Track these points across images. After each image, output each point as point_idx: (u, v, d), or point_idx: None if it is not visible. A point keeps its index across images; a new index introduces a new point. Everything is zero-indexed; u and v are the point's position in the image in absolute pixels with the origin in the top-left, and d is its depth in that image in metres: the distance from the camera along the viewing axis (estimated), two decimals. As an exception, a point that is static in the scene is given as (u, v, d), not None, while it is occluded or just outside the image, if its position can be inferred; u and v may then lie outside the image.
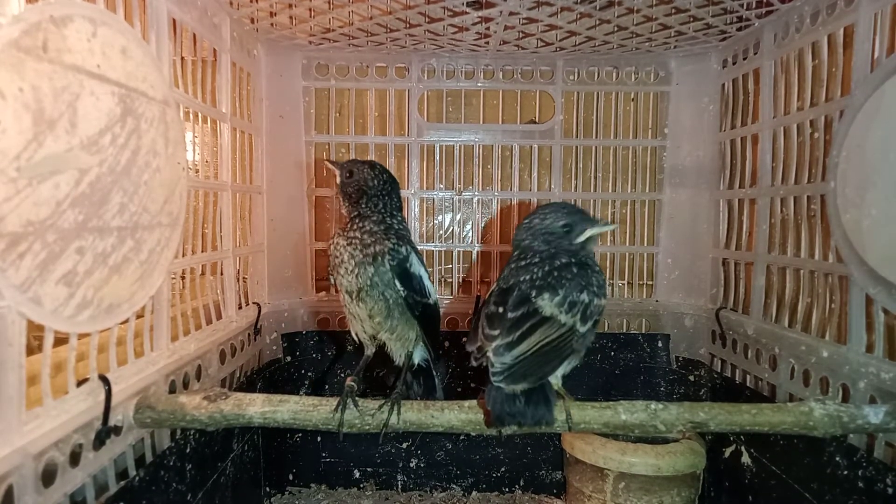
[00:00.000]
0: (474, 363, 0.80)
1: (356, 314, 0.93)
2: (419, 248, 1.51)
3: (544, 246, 0.87)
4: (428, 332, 0.97)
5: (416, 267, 0.93)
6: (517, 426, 0.77)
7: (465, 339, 1.43)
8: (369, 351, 1.00)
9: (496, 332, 0.79)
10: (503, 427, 0.78)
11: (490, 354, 0.77)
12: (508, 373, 0.75)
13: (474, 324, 0.86)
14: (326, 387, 1.47)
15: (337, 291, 0.96)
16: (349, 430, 0.84)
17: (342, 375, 1.47)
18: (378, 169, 0.96)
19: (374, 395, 0.89)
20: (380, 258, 0.89)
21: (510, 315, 0.80)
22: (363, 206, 0.94)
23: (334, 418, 0.81)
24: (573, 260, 0.86)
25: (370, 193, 0.94)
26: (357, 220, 0.93)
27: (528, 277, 0.83)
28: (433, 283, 1.55)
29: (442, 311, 1.51)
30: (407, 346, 0.97)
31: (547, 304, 0.80)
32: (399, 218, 0.97)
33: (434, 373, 1.05)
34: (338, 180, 0.97)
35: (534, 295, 0.81)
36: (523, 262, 0.86)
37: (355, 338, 0.99)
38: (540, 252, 0.86)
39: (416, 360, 1.01)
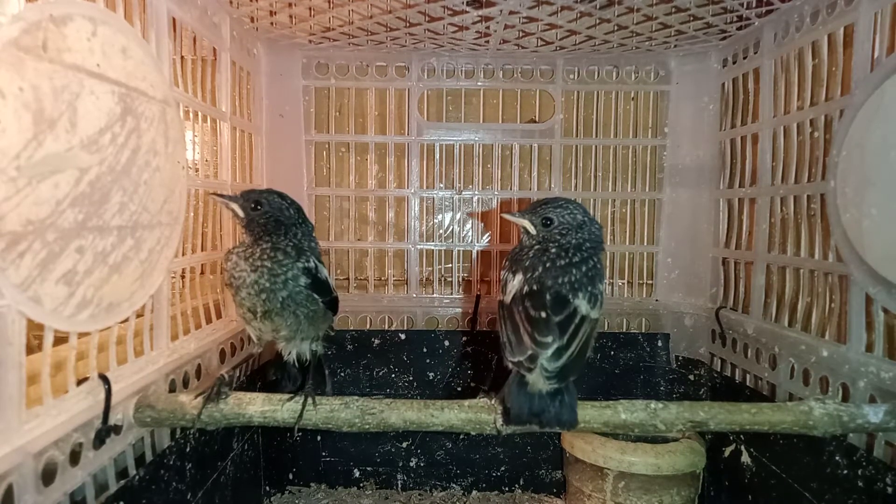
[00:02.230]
0: (526, 373, 0.77)
1: (258, 328, 0.91)
2: (419, 247, 1.53)
3: (589, 245, 0.87)
4: (333, 317, 0.99)
5: (322, 271, 0.92)
6: (538, 426, 0.76)
7: (465, 338, 1.45)
8: (257, 349, 1.02)
9: (549, 339, 0.77)
10: (524, 426, 0.77)
11: (543, 361, 0.76)
12: (560, 374, 0.76)
13: (512, 331, 0.80)
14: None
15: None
16: (349, 430, 0.84)
17: (342, 375, 1.47)
18: (288, 198, 0.92)
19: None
20: (291, 282, 0.87)
21: (556, 319, 0.79)
22: (278, 237, 0.89)
23: (201, 413, 0.81)
24: (598, 258, 0.88)
25: (288, 223, 0.90)
26: (268, 249, 0.87)
27: (566, 279, 0.82)
28: (439, 281, 1.56)
29: (441, 310, 1.52)
30: (307, 344, 0.97)
31: (582, 303, 0.81)
32: (314, 241, 0.94)
33: (324, 365, 1.04)
34: (240, 213, 0.89)
35: (571, 297, 0.81)
36: (562, 262, 0.83)
37: (252, 336, 0.96)
38: (581, 251, 0.86)
39: (316, 350, 0.99)
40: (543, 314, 0.79)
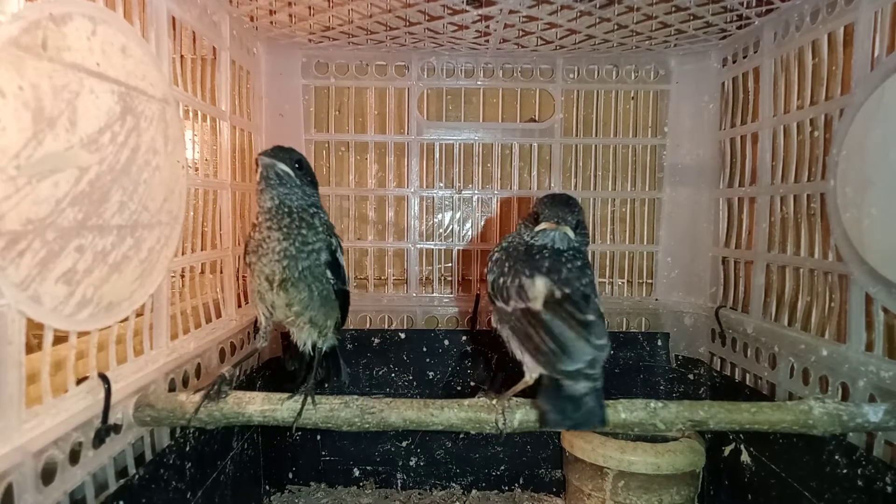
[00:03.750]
0: (583, 380, 0.75)
1: (271, 302, 0.90)
2: (419, 246, 1.53)
3: (587, 245, 0.87)
4: (344, 314, 0.98)
5: (341, 256, 0.93)
6: (573, 426, 0.77)
7: (464, 337, 1.45)
8: (262, 343, 0.97)
9: (604, 341, 0.77)
10: (559, 427, 0.76)
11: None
12: (602, 373, 0.76)
13: (558, 338, 0.76)
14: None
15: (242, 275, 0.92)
16: (349, 429, 0.84)
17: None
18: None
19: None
20: (315, 254, 0.87)
21: (598, 320, 0.79)
22: (312, 196, 0.90)
23: (200, 408, 0.81)
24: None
25: (316, 182, 0.92)
26: (297, 212, 0.87)
27: (586, 281, 0.82)
28: (439, 280, 1.56)
29: (441, 309, 1.52)
30: (319, 334, 0.96)
31: (598, 302, 0.82)
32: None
33: (339, 354, 1.06)
34: (290, 172, 0.86)
35: (593, 297, 0.81)
36: (578, 263, 0.82)
37: (261, 319, 0.95)
38: (584, 253, 0.86)
39: (326, 346, 0.99)
40: (591, 317, 0.78)
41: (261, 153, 0.87)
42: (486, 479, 1.48)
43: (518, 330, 0.80)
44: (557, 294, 0.79)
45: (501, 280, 0.84)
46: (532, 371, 0.82)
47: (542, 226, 0.83)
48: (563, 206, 0.84)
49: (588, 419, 0.75)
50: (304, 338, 0.96)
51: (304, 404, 0.83)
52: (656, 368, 1.47)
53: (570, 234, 0.83)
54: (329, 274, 0.90)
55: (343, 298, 0.95)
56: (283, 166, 0.85)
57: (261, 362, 1.36)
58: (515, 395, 0.84)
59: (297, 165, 0.88)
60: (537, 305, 0.79)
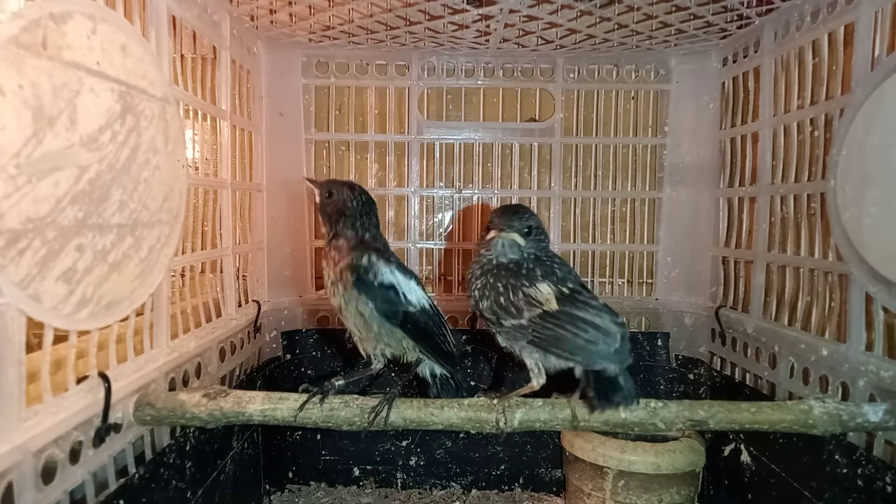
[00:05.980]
0: (620, 359, 0.78)
1: (349, 328, 0.93)
2: (419, 245, 1.53)
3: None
4: (419, 340, 0.91)
5: (387, 276, 0.88)
6: (614, 407, 0.78)
7: (464, 336, 1.45)
8: (378, 364, 0.95)
9: (621, 318, 0.82)
10: (607, 408, 0.78)
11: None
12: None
13: (585, 328, 0.79)
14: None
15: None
16: (349, 428, 0.84)
17: (341, 374, 1.47)
18: (357, 190, 0.94)
19: (374, 393, 0.88)
20: (346, 273, 0.88)
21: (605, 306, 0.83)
22: (340, 225, 0.93)
23: (298, 415, 0.83)
24: None
25: (348, 214, 0.93)
26: (333, 240, 0.93)
27: (574, 276, 0.88)
28: (439, 280, 1.56)
29: (441, 309, 1.51)
30: (409, 357, 0.94)
31: None
32: (373, 233, 0.94)
33: (453, 381, 1.00)
34: (317, 199, 0.96)
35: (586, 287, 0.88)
36: (559, 262, 0.89)
37: (363, 353, 0.96)
38: (550, 252, 0.92)
39: (427, 371, 0.98)
40: (602, 302, 0.83)
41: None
42: (486, 479, 1.48)
43: (541, 339, 0.81)
44: (565, 291, 0.83)
45: (503, 299, 0.84)
46: (539, 378, 0.84)
47: (490, 234, 0.87)
48: (509, 213, 0.88)
49: (626, 398, 0.78)
50: (405, 359, 0.95)
51: (383, 409, 0.83)
52: (656, 368, 1.47)
53: (519, 239, 0.86)
54: (364, 296, 0.87)
55: (409, 321, 0.89)
56: (316, 191, 0.96)
57: (261, 361, 1.36)
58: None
59: (327, 194, 0.94)
60: (553, 306, 0.81)
